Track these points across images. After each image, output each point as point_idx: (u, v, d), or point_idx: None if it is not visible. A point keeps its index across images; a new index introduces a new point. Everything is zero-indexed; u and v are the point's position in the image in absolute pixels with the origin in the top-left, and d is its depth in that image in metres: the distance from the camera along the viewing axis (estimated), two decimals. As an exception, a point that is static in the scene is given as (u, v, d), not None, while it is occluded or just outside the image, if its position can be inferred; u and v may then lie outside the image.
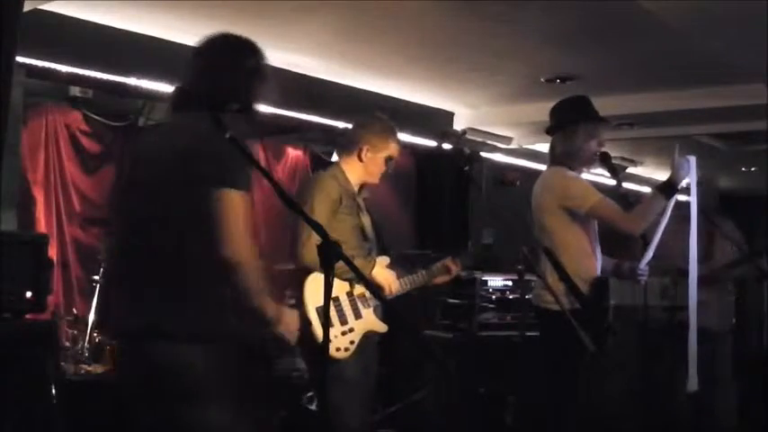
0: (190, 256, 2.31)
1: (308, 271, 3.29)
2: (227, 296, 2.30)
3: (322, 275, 2.05)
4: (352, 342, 3.35)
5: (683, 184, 3.61)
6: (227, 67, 2.50)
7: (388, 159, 3.55)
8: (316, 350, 3.21)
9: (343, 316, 3.35)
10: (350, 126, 3.69)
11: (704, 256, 4.95)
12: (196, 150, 2.34)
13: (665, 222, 3.60)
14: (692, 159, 3.58)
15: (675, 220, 3.94)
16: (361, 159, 3.51)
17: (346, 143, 3.58)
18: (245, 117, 2.50)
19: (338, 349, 3.31)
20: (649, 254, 3.69)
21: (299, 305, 3.28)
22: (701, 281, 4.77)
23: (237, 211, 2.28)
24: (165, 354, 2.27)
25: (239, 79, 2.49)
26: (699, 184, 5.14)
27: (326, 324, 2.09)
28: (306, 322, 3.24)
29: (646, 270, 3.75)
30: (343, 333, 3.33)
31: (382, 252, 3.58)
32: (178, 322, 2.29)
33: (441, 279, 3.72)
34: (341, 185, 3.45)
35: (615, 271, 3.84)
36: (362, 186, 3.58)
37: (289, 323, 2.46)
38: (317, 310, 3.24)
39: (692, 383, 3.84)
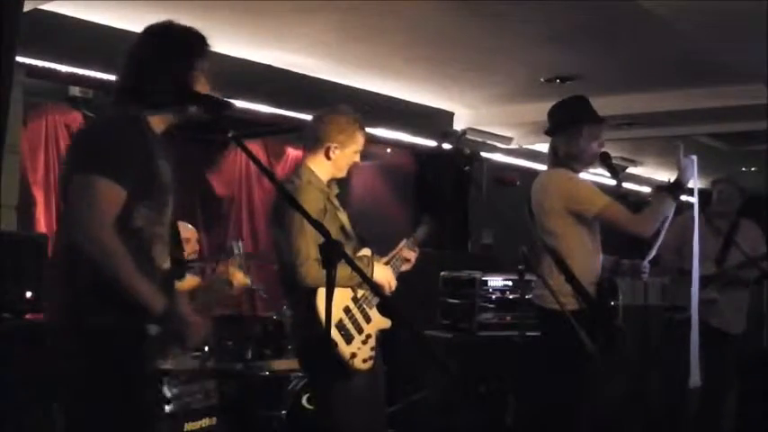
0: (63, 246, 2.30)
1: (312, 290, 3.12)
2: (93, 285, 2.19)
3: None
4: (372, 349, 3.26)
5: (690, 184, 3.62)
6: (153, 60, 2.38)
7: (357, 152, 3.38)
8: (340, 366, 3.12)
9: (358, 325, 3.25)
10: (312, 120, 3.43)
11: (719, 256, 4.95)
12: (73, 142, 2.39)
13: (668, 221, 3.61)
14: (695, 159, 3.58)
15: (690, 220, 3.95)
16: (329, 158, 3.33)
17: (311, 140, 3.37)
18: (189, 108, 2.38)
19: (364, 360, 3.20)
20: (653, 252, 3.69)
21: (313, 325, 3.11)
22: (713, 281, 4.78)
23: (87, 195, 2.18)
24: (50, 342, 2.30)
25: (165, 73, 2.36)
26: (715, 182, 5.15)
27: (328, 325, 2.06)
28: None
29: (647, 267, 3.74)
30: (364, 342, 3.23)
31: (362, 245, 3.46)
32: (52, 312, 2.33)
33: (405, 267, 3.58)
34: (319, 190, 3.28)
35: (614, 268, 3.83)
36: (330, 181, 3.41)
37: (187, 322, 2.29)
38: (336, 326, 3.11)
39: (695, 379, 3.84)
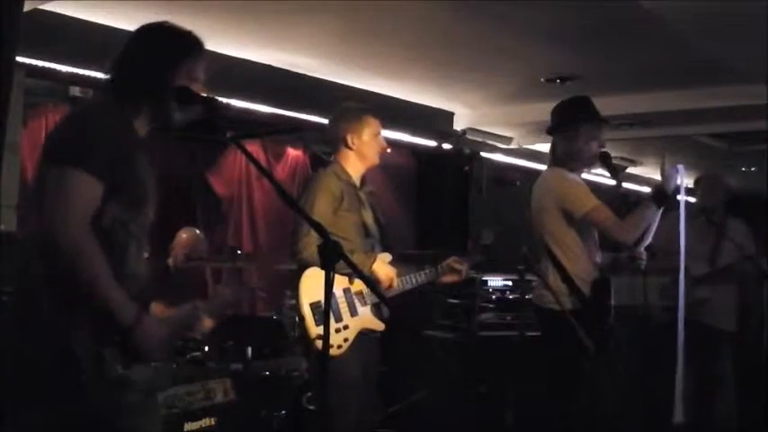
0: (36, 248, 2.10)
1: (305, 268, 3.31)
2: (64, 290, 2.02)
3: (319, 270, 2.03)
4: (345, 339, 3.34)
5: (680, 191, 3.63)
6: (136, 56, 2.35)
7: (376, 135, 3.60)
8: (308, 345, 3.31)
9: (337, 313, 3.33)
10: (328, 125, 3.76)
11: (711, 255, 4.97)
12: (50, 133, 2.26)
13: (654, 227, 3.64)
14: (681, 168, 3.59)
15: (678, 220, 3.95)
16: (350, 148, 3.56)
17: (332, 140, 3.66)
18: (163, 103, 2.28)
19: (331, 346, 3.24)
20: (646, 240, 3.70)
21: (295, 300, 3.34)
22: (704, 280, 4.81)
23: (61, 190, 2.02)
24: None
25: (147, 70, 2.30)
26: (697, 182, 5.17)
27: (326, 325, 2.06)
28: (299, 317, 3.30)
29: (644, 254, 3.75)
30: (337, 330, 3.31)
31: (385, 249, 3.58)
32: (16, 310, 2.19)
33: (449, 278, 3.69)
34: (342, 181, 3.49)
35: (613, 264, 3.84)
36: (364, 179, 3.63)
37: (148, 334, 2.09)
38: (311, 305, 3.27)
39: (678, 416, 3.83)
